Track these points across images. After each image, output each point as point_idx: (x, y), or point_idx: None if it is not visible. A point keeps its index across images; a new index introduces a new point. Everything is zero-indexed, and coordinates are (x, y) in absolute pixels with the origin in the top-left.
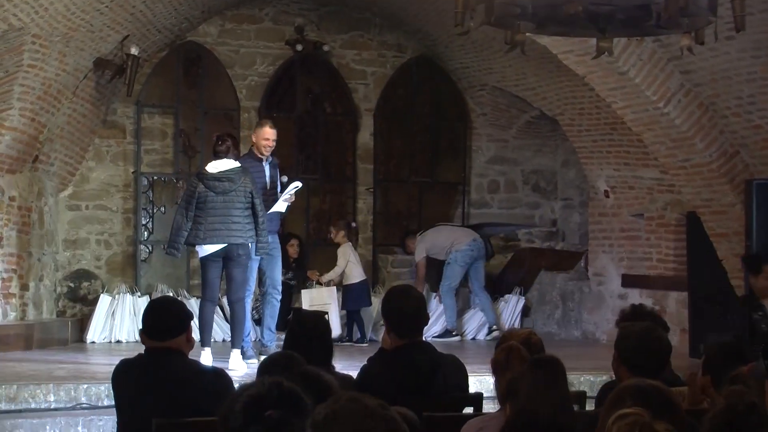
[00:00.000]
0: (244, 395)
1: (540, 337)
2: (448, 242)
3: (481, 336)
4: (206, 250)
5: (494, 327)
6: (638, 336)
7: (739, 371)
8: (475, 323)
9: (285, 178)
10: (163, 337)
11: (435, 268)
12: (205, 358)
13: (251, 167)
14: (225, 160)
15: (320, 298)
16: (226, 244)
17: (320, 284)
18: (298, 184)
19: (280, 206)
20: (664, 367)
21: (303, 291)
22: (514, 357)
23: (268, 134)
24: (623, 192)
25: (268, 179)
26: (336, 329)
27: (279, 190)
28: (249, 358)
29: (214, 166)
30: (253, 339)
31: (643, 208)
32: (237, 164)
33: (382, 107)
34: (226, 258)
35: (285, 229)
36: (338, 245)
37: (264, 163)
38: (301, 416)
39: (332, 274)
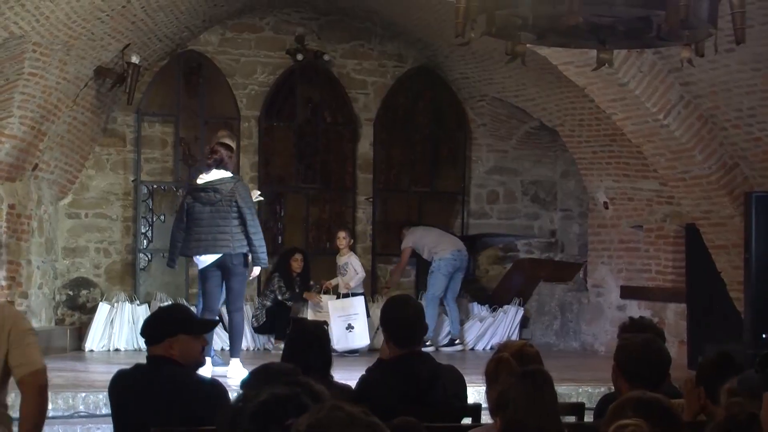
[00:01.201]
0: (253, 402)
1: (536, 348)
2: (432, 244)
3: (480, 347)
4: (203, 261)
5: (456, 340)
6: (639, 347)
7: (733, 383)
8: (473, 334)
9: None
10: (147, 343)
11: (423, 273)
12: (206, 368)
13: None
14: (214, 171)
15: (347, 309)
16: (220, 255)
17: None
18: (260, 198)
19: None
20: (664, 379)
21: (330, 301)
22: (503, 369)
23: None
24: (622, 203)
25: None
26: (365, 339)
27: None
28: (217, 365)
29: (202, 178)
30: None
31: (643, 219)
32: (227, 175)
33: (382, 117)
34: (223, 269)
35: (285, 242)
36: (338, 251)
37: None
38: None
39: (358, 280)
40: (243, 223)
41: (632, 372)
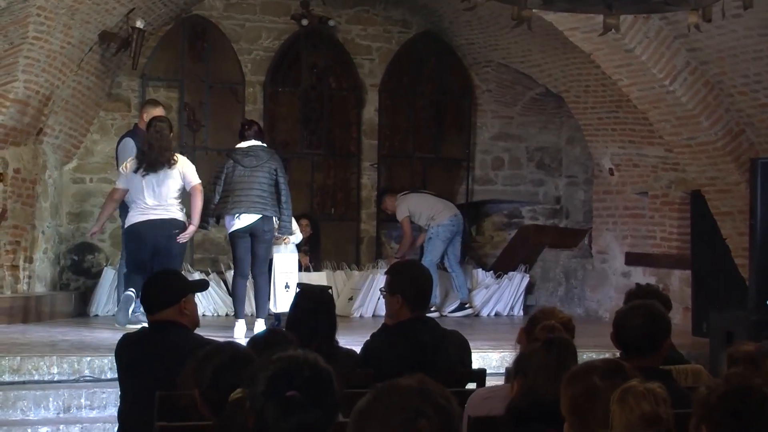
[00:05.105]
0: (271, 366)
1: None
2: (429, 211)
3: (485, 313)
4: (234, 226)
5: (466, 304)
6: (626, 315)
7: (741, 349)
8: (478, 300)
9: None
10: (152, 311)
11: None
12: (239, 329)
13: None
14: (253, 141)
15: (289, 265)
16: (252, 221)
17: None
18: None
19: None
20: (658, 347)
21: (276, 254)
22: None
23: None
24: (628, 170)
25: None
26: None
27: None
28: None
29: (244, 143)
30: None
31: (648, 186)
32: (264, 145)
33: (387, 83)
34: (252, 234)
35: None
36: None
37: None
38: (323, 404)
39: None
40: (277, 191)
41: (623, 339)
